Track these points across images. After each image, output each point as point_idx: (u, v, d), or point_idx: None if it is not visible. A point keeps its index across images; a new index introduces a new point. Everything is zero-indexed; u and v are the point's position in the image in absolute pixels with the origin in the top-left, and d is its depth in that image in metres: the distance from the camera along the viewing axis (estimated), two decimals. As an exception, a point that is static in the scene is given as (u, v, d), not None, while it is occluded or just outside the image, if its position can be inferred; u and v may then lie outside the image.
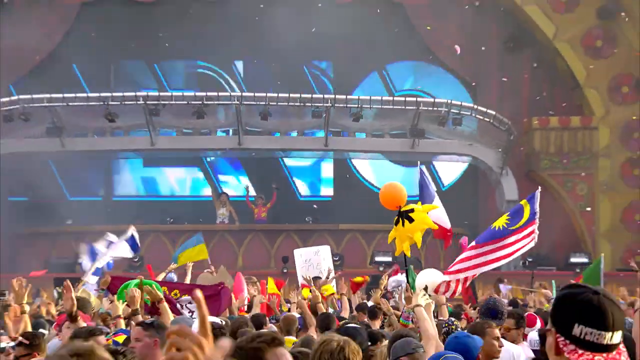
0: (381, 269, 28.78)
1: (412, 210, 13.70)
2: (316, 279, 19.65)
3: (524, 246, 14.92)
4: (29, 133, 33.99)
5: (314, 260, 22.66)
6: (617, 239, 35.79)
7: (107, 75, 38.75)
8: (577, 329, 4.30)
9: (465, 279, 15.44)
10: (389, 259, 31.33)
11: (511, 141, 34.62)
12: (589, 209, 36.10)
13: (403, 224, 13.61)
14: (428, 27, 36.86)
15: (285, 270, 30.86)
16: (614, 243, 35.61)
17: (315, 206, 37.61)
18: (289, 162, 39.17)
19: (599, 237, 36.02)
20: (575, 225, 36.39)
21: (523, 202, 15.41)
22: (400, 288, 19.81)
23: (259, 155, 37.32)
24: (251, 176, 38.02)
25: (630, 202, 36.12)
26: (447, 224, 18.36)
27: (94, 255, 22.13)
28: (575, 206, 36.42)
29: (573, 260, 33.00)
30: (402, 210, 13.73)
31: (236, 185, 38.39)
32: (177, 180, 39.58)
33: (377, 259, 31.52)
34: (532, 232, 14.93)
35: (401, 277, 20.58)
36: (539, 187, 16.68)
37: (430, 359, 7.80)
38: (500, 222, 15.02)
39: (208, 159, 38.91)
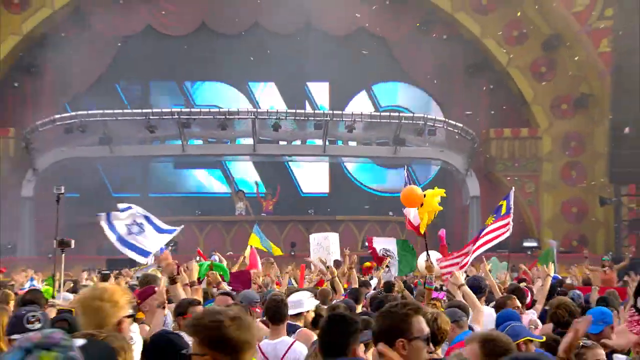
0: (370, 252, 29.13)
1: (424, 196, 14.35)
2: (338, 262, 20.18)
3: (503, 233, 15.15)
4: (84, 142, 34.11)
5: (324, 244, 22.76)
6: (557, 227, 36.18)
7: (145, 92, 39.22)
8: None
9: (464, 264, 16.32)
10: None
11: (475, 148, 34.98)
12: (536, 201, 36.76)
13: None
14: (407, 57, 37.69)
15: (292, 253, 30.96)
16: (555, 230, 35.82)
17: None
18: (293, 165, 39.32)
19: (543, 226, 36.40)
20: (524, 216, 36.36)
21: (502, 202, 15.74)
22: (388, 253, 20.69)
23: (269, 160, 37.52)
24: (262, 176, 38.07)
25: (568, 197, 36.61)
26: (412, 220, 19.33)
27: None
28: (524, 201, 36.58)
29: (525, 244, 33.47)
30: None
31: (250, 184, 38.20)
32: (202, 180, 39.69)
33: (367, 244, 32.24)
34: (508, 223, 15.28)
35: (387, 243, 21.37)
36: (513, 188, 17.57)
37: (501, 328, 7.26)
38: (489, 221, 15.46)
39: (228, 163, 38.99)
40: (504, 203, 15.65)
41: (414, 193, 14.05)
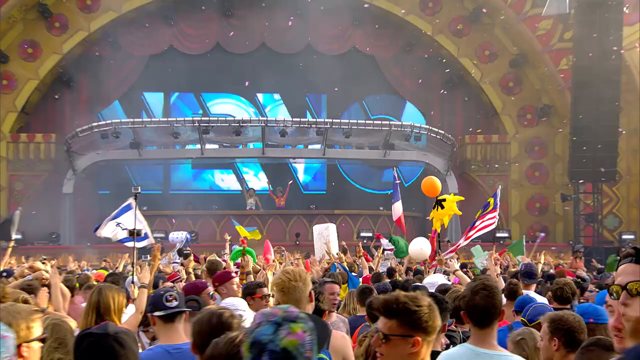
0: (364, 241, 28.83)
1: (444, 200, 14.58)
2: (344, 248, 20.33)
3: (490, 224, 15.33)
4: (116, 146, 34.19)
5: (324, 233, 22.76)
6: (522, 220, 36.42)
7: (167, 102, 39.31)
8: None
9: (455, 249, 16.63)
10: (370, 234, 32.26)
11: (454, 152, 35.03)
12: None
13: (437, 209, 14.54)
14: (393, 73, 37.97)
15: (297, 243, 31.18)
16: (521, 223, 36.11)
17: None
18: (296, 166, 39.51)
19: (511, 219, 36.52)
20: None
21: (490, 199, 15.92)
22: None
23: (275, 162, 37.65)
24: (269, 176, 38.24)
25: (532, 195, 36.82)
26: (398, 215, 19.65)
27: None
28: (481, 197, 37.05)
29: (498, 235, 33.64)
30: (438, 199, 14.67)
31: (258, 182, 38.58)
32: (216, 179, 39.80)
33: (362, 234, 32.16)
34: (495, 217, 15.47)
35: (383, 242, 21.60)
36: (500, 186, 17.83)
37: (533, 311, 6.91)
38: (478, 215, 15.58)
39: (239, 164, 39.11)
40: (492, 200, 15.79)
41: (434, 183, 14.29)
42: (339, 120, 33.83)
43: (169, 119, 33.60)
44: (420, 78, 37.22)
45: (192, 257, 12.67)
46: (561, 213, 36.56)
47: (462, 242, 15.99)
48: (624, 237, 32.83)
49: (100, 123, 33.36)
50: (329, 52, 37.23)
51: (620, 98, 31.29)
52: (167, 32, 36.82)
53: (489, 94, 37.26)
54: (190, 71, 36.46)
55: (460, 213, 14.19)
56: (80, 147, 33.66)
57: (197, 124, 33.00)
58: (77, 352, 3.84)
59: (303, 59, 36.55)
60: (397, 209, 20.04)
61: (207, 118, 34.25)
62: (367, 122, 34.40)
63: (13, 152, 35.36)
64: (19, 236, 27.70)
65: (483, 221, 15.53)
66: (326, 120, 33.86)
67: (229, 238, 18.27)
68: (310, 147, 36.24)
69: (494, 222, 15.70)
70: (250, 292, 7.87)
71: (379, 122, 34.37)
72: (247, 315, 5.89)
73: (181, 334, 5.43)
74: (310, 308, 5.44)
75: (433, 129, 34.13)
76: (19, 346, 3.73)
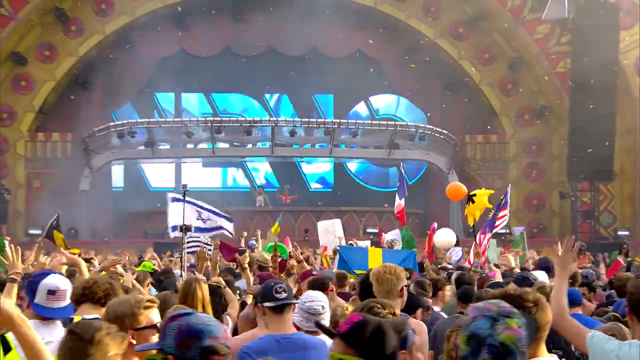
0: (371, 237, 28.82)
1: (474, 195, 15.19)
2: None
3: (500, 224, 15.48)
4: (132, 145, 34.80)
5: (330, 229, 23.53)
6: (521, 217, 36.24)
7: (178, 102, 39.95)
8: None
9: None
10: (376, 230, 32.92)
11: (456, 151, 35.68)
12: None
13: (469, 205, 15.12)
14: (396, 75, 38.70)
15: (306, 238, 31.40)
16: (519, 220, 36.39)
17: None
18: (303, 165, 39.95)
19: (510, 216, 37.23)
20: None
21: (502, 197, 15.97)
22: (394, 241, 21.49)
23: (284, 161, 38.28)
24: (277, 174, 38.99)
25: (529, 192, 37.40)
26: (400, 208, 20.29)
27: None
28: (494, 195, 37.38)
29: (499, 231, 34.38)
30: (469, 194, 15.23)
31: (265, 181, 39.14)
32: (225, 177, 40.31)
33: (368, 230, 32.82)
34: (506, 215, 15.61)
35: (394, 235, 22.39)
36: (510, 185, 18.48)
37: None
38: (491, 214, 15.38)
39: (248, 163, 39.50)
40: (503, 197, 16.01)
41: (458, 188, 14.82)
42: (346, 121, 34.43)
43: (183, 118, 34.17)
44: (422, 80, 37.79)
45: (247, 254, 13.34)
46: (557, 210, 37.38)
47: (485, 241, 16.48)
48: (619, 233, 33.58)
49: (116, 123, 34.03)
50: (333, 55, 37.85)
51: (616, 100, 32.16)
52: (178, 35, 37.38)
53: (488, 96, 37.87)
54: (200, 72, 37.13)
55: (491, 205, 14.70)
56: (96, 146, 34.26)
57: (209, 124, 33.57)
58: None
59: (309, 61, 37.25)
60: (401, 203, 20.73)
61: (219, 118, 34.76)
62: (373, 122, 35.00)
63: (31, 151, 36.12)
64: (38, 231, 28.43)
65: (498, 219, 15.94)
66: (334, 120, 34.41)
67: (259, 233, 18.89)
68: (317, 146, 36.71)
69: (505, 220, 15.96)
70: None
71: (385, 122, 34.91)
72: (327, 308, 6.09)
73: (290, 325, 5.68)
74: (400, 302, 5.89)
75: (437, 129, 34.62)
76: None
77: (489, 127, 38.38)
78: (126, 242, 29.90)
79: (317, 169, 40.58)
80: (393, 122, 34.76)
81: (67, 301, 5.51)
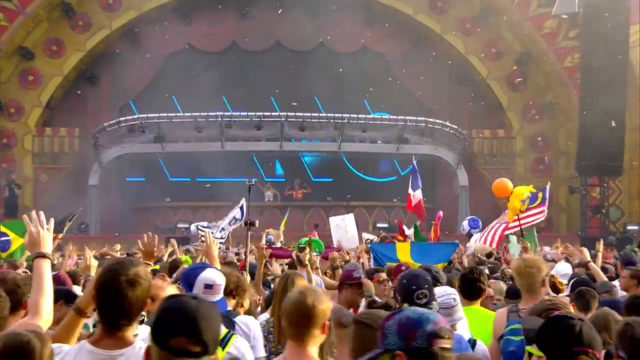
0: (381, 232, 29.15)
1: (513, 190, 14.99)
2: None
3: (538, 218, 15.44)
4: (141, 140, 34.61)
5: (341, 224, 23.31)
6: None
7: (185, 97, 39.65)
8: None
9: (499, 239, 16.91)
10: (386, 225, 32.90)
11: (466, 146, 35.63)
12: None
13: (510, 199, 14.92)
14: (403, 70, 38.52)
15: (316, 234, 31.98)
16: None
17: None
18: (309, 159, 39.77)
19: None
20: (499, 202, 37.10)
21: (539, 194, 15.90)
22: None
23: (290, 155, 38.08)
24: (284, 168, 38.97)
25: (537, 187, 36.79)
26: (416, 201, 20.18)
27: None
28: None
29: None
30: (513, 190, 15.01)
31: (274, 175, 39.11)
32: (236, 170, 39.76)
33: (378, 225, 32.74)
34: (543, 210, 15.52)
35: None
36: (549, 182, 18.21)
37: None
38: (524, 207, 15.10)
39: (256, 158, 39.05)
40: (541, 194, 15.96)
41: (504, 184, 14.70)
42: (356, 115, 34.32)
43: (193, 114, 33.98)
44: (429, 75, 37.59)
45: (307, 250, 13.12)
46: (565, 205, 37.33)
47: (498, 234, 16.31)
48: (629, 227, 33.57)
49: (127, 118, 33.87)
50: (341, 50, 37.83)
51: (625, 95, 32.07)
52: (185, 30, 37.28)
53: (495, 91, 37.86)
54: (207, 68, 37.02)
55: (524, 207, 14.54)
56: (106, 141, 34.14)
57: (220, 119, 33.51)
58: None
59: (316, 55, 37.16)
60: (417, 196, 20.60)
61: (230, 113, 34.70)
62: (383, 117, 34.90)
63: (38, 146, 36.01)
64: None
65: (531, 215, 15.61)
66: (344, 115, 34.27)
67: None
68: (325, 141, 36.70)
69: (542, 217, 15.85)
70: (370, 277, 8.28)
71: (395, 117, 34.82)
72: None
73: None
74: (542, 292, 6.07)
75: (446, 124, 34.57)
76: None
77: (495, 122, 38.45)
78: (137, 237, 29.55)
79: (319, 161, 40.36)
80: (403, 117, 34.47)
81: (221, 295, 5.64)
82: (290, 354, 4.09)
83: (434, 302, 5.50)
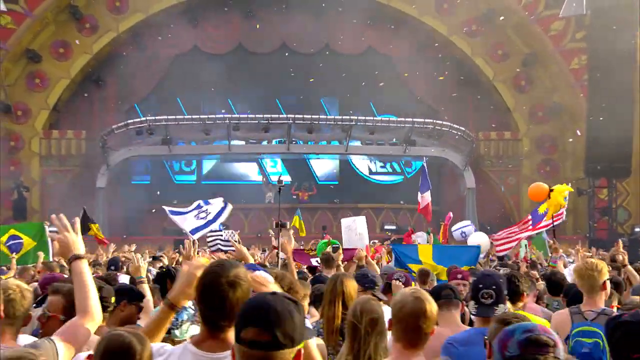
0: (388, 233, 29.35)
1: (552, 190, 15.06)
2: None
3: (556, 220, 15.01)
4: (148, 142, 34.68)
5: (352, 226, 23.70)
6: None
7: (192, 99, 39.45)
8: None
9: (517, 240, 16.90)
10: (394, 227, 33.00)
11: (473, 148, 35.75)
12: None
13: (548, 199, 14.89)
14: (405, 74, 38.32)
15: (324, 235, 31.84)
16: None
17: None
18: (314, 161, 39.68)
19: (522, 212, 36.22)
20: (506, 204, 37.49)
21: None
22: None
23: (297, 157, 38.24)
24: (289, 170, 38.52)
25: None
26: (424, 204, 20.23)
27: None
28: (507, 191, 37.54)
29: None
30: (551, 188, 15.00)
31: (278, 176, 38.83)
32: (241, 172, 39.96)
33: (386, 227, 32.93)
34: (562, 212, 15.29)
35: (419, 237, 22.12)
36: (570, 183, 18.12)
37: None
38: (542, 209, 15.21)
39: (262, 159, 39.30)
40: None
41: (541, 188, 14.71)
42: (363, 118, 34.38)
43: (201, 116, 34.05)
44: (434, 77, 37.30)
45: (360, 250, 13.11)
46: (571, 206, 37.21)
47: (523, 234, 16.35)
48: (636, 229, 33.50)
49: (135, 120, 34.00)
50: (346, 52, 37.84)
51: (633, 96, 32.09)
52: (191, 32, 37.29)
53: (501, 93, 37.84)
54: (212, 70, 37.05)
55: (565, 204, 14.57)
56: (114, 143, 34.22)
57: (227, 121, 33.56)
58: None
59: (322, 58, 37.16)
60: (426, 198, 20.66)
61: (237, 115, 34.79)
62: (390, 119, 34.89)
63: (45, 148, 36.04)
64: (53, 229, 28.29)
65: (551, 217, 15.67)
66: (352, 117, 34.31)
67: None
68: (332, 143, 36.72)
69: (560, 219, 15.73)
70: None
71: (402, 119, 34.87)
72: None
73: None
74: (604, 295, 6.13)
75: (454, 126, 34.63)
76: None
77: (501, 124, 38.40)
78: (144, 240, 29.68)
79: (325, 164, 40.39)
80: (411, 119, 34.50)
81: None
82: (399, 358, 4.14)
83: (500, 305, 5.46)
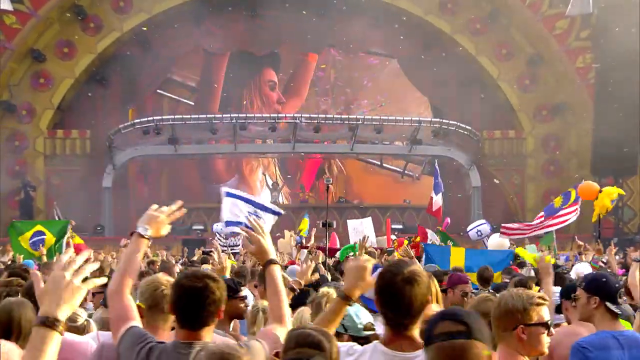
0: (396, 233, 29.01)
1: (600, 191, 15.13)
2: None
3: (569, 219, 15.77)
4: (154, 141, 34.67)
5: (359, 228, 23.08)
6: (538, 213, 37.34)
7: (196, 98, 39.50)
8: None
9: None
10: (400, 226, 33.03)
11: (479, 147, 35.93)
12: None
13: (596, 200, 14.99)
14: (413, 71, 38.48)
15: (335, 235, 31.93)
16: (536, 215, 37.13)
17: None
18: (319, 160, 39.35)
19: (526, 212, 36.72)
20: (509, 203, 37.53)
21: (572, 190, 16.13)
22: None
23: (302, 157, 38.26)
24: (294, 169, 38.87)
25: (548, 188, 36.88)
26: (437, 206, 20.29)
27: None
28: (512, 191, 37.65)
29: None
30: (601, 189, 15.08)
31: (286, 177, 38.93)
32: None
33: (392, 226, 32.80)
34: (576, 209, 15.69)
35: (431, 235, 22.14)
36: (582, 179, 18.23)
37: None
38: (557, 203, 15.94)
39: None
40: (573, 191, 16.05)
41: (591, 187, 14.79)
42: (370, 117, 34.50)
43: (208, 115, 34.17)
44: (439, 76, 37.42)
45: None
46: (576, 205, 37.36)
47: (534, 231, 16.45)
48: (642, 228, 33.81)
49: (141, 120, 34.05)
50: (350, 52, 37.96)
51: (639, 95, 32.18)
52: (194, 32, 37.25)
53: (505, 92, 37.80)
54: (215, 70, 37.13)
55: (611, 207, 14.67)
56: (120, 143, 34.32)
57: (234, 121, 33.65)
58: None
59: (326, 58, 37.26)
60: (438, 202, 20.78)
61: (244, 115, 34.87)
62: (397, 118, 34.88)
63: (50, 148, 36.09)
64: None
65: (564, 214, 15.81)
66: (358, 116, 34.49)
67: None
68: (338, 142, 36.76)
69: (574, 217, 16.04)
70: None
71: (409, 118, 34.91)
72: None
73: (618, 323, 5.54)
74: None
75: (461, 124, 34.75)
76: None
77: (506, 123, 38.53)
78: (153, 239, 29.55)
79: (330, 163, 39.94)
80: (417, 118, 34.64)
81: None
82: (504, 357, 4.14)
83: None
